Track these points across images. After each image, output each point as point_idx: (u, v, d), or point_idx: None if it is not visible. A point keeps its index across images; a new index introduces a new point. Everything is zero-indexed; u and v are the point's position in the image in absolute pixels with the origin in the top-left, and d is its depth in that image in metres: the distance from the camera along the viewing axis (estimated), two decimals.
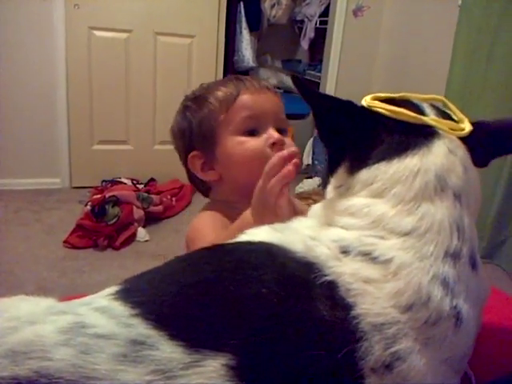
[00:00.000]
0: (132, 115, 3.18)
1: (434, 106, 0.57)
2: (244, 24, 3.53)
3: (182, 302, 0.42)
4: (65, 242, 2.38)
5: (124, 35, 3.04)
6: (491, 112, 2.42)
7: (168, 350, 0.37)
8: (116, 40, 3.04)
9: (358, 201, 0.51)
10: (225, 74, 3.35)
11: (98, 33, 2.98)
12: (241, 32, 3.54)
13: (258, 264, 0.46)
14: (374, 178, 0.51)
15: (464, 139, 0.53)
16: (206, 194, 0.97)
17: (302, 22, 3.99)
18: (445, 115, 0.57)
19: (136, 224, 2.53)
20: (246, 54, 3.58)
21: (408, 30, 3.17)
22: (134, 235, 2.48)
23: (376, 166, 0.52)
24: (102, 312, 0.41)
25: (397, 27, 3.30)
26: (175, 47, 3.15)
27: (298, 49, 4.40)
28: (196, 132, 0.88)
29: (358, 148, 0.55)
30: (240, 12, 3.52)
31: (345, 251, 0.46)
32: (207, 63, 3.24)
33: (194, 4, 3.10)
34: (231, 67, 3.55)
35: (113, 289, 0.46)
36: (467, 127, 0.54)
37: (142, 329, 0.39)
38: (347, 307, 0.42)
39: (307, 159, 3.58)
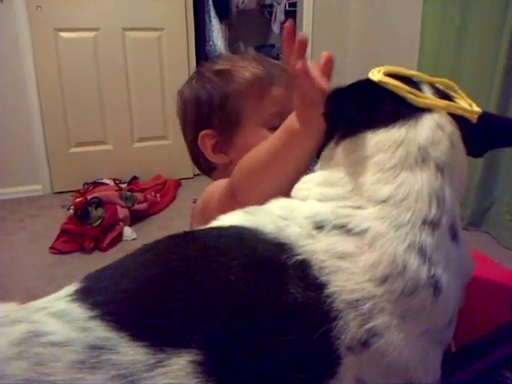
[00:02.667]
0: (107, 114, 3.13)
1: (433, 86, 0.56)
2: (213, 13, 3.48)
3: (145, 298, 0.40)
4: (51, 248, 2.35)
5: (91, 34, 2.99)
6: (466, 85, 2.43)
7: (130, 352, 0.36)
8: (83, 40, 2.98)
9: (338, 170, 0.51)
10: (198, 65, 3.31)
11: (64, 34, 2.92)
12: (210, 21, 3.49)
13: (226, 250, 0.44)
14: (357, 146, 0.51)
15: (467, 126, 0.52)
16: (208, 173, 0.89)
17: (271, 5, 3.95)
18: (444, 97, 0.55)
19: (121, 224, 2.50)
20: (217, 43, 3.53)
21: (377, 5, 3.16)
22: (120, 235, 2.46)
23: (361, 134, 0.51)
24: (59, 317, 0.39)
25: (366, 3, 3.28)
26: (144, 42, 3.10)
27: (269, 33, 4.36)
28: (217, 109, 0.79)
29: (349, 119, 0.54)
30: (207, 1, 3.47)
31: (319, 226, 0.45)
32: (178, 55, 3.19)
33: None
34: (204, 58, 3.50)
35: (71, 288, 0.44)
36: (477, 111, 0.53)
37: (100, 332, 0.37)
38: (320, 286, 0.41)
39: None
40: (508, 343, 0.54)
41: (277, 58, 4.02)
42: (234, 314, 0.39)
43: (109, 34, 3.01)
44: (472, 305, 0.63)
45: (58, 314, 0.39)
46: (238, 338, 0.38)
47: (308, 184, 0.53)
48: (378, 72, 0.54)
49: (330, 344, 0.39)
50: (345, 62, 3.39)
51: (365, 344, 0.40)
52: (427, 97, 0.52)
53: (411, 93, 0.51)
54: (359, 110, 0.53)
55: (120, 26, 3.02)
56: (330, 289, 0.41)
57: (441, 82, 0.57)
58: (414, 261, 0.43)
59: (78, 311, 0.39)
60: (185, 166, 3.42)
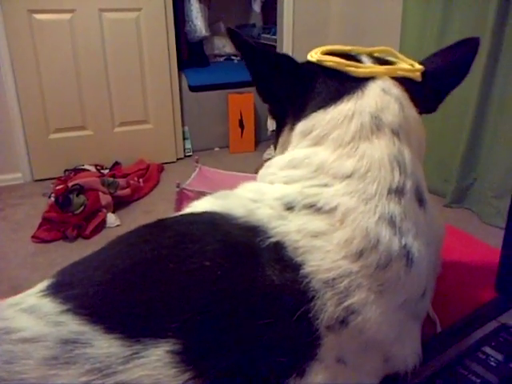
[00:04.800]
0: (86, 99, 3.07)
1: (372, 56, 0.57)
2: None
3: (119, 289, 0.39)
4: (33, 237, 2.33)
5: (67, 16, 2.91)
6: None
7: (104, 345, 0.34)
8: (59, 22, 2.90)
9: (298, 152, 0.51)
10: (177, 47, 3.25)
11: (38, 16, 2.83)
12: (189, 0, 3.41)
13: (200, 236, 0.43)
14: (312, 126, 0.51)
15: (413, 86, 0.53)
16: None
17: None
18: (384, 63, 0.56)
19: (104, 210, 2.48)
20: (197, 23, 3.47)
21: None
22: (103, 222, 2.44)
23: (313, 114, 0.51)
24: (30, 312, 0.37)
25: None
26: (122, 23, 3.03)
27: (250, 13, 4.30)
28: None
29: (297, 103, 0.54)
30: None
31: (290, 207, 0.45)
32: (158, 36, 3.13)
33: None
34: (183, 39, 3.44)
35: (44, 283, 0.42)
36: (418, 68, 0.54)
37: (73, 325, 0.35)
38: (296, 267, 0.40)
39: (272, 125, 3.54)
40: (491, 321, 0.54)
41: (258, 38, 3.97)
42: (210, 301, 0.38)
43: (85, 15, 2.93)
44: (456, 284, 0.63)
45: (29, 310, 0.38)
46: (215, 324, 0.37)
47: (272, 169, 0.53)
48: (316, 53, 0.55)
49: (309, 325, 0.39)
50: (326, 41, 3.36)
51: (343, 322, 0.40)
52: (367, 66, 0.53)
53: (350, 65, 0.52)
54: (304, 91, 0.54)
55: (97, 6, 2.95)
56: (306, 269, 0.40)
57: (379, 50, 0.58)
58: (385, 233, 0.43)
59: (50, 306, 0.38)
60: (167, 149, 3.39)
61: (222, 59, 4.16)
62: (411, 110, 0.52)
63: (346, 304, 0.40)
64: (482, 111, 2.39)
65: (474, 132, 2.44)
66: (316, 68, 0.54)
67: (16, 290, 2.06)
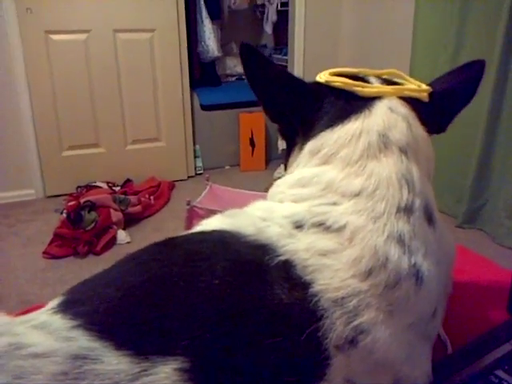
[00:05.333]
0: (100, 117, 3.12)
1: (380, 78, 0.58)
2: (204, 13, 3.47)
3: (128, 306, 0.39)
4: (44, 252, 2.34)
5: (82, 36, 2.97)
6: None
7: (114, 362, 0.34)
8: (75, 42, 2.96)
9: (307, 171, 0.51)
10: (190, 67, 3.30)
11: (54, 36, 2.90)
12: (202, 22, 3.48)
13: (209, 254, 0.43)
14: (320, 145, 0.52)
15: (421, 106, 0.54)
16: None
17: (263, 6, 3.95)
18: (392, 84, 0.57)
19: (115, 227, 2.48)
20: (209, 43, 3.52)
21: (369, 5, 3.15)
22: (114, 238, 2.44)
23: (321, 134, 0.52)
24: (41, 328, 0.38)
25: (358, 3, 3.28)
26: (136, 43, 3.08)
27: (262, 34, 4.36)
28: None
29: (305, 122, 0.55)
30: (199, 1, 3.46)
31: (299, 226, 0.45)
32: (171, 57, 3.18)
33: None
34: (196, 59, 3.49)
35: (55, 302, 0.42)
36: (426, 89, 0.55)
37: (83, 341, 0.36)
38: (305, 285, 0.40)
39: (282, 144, 3.56)
40: (504, 344, 0.53)
41: (269, 58, 4.02)
42: (219, 319, 0.38)
43: (100, 35, 3.00)
44: (468, 305, 0.63)
45: (40, 326, 0.38)
46: (224, 342, 0.37)
47: (281, 187, 0.53)
48: (324, 74, 0.56)
49: (318, 344, 0.38)
50: (337, 62, 3.39)
51: (352, 342, 0.39)
52: (374, 86, 0.54)
53: (357, 85, 0.53)
54: (312, 111, 0.55)
55: (111, 27, 3.01)
56: (315, 288, 0.40)
57: (387, 72, 0.59)
58: (394, 251, 0.43)
59: (60, 321, 0.38)
60: (179, 167, 3.41)
61: (233, 79, 4.21)
62: (419, 129, 0.52)
63: (355, 323, 0.39)
64: (492, 130, 2.38)
65: (485, 152, 2.43)
66: (324, 88, 0.55)
67: (25, 305, 2.06)
